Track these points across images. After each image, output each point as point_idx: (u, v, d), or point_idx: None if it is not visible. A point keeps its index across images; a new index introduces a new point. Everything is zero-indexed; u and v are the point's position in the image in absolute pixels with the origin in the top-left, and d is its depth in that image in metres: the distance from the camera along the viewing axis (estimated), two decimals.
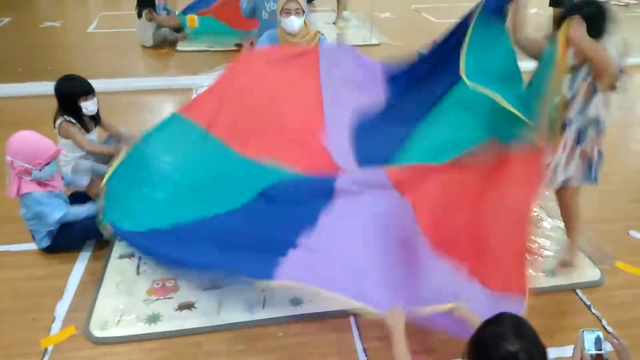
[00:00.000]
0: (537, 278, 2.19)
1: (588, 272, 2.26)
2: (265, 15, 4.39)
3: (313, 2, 6.25)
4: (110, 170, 2.47)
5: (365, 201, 2.22)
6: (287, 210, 2.29)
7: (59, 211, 2.27)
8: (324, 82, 2.91)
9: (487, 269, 1.88)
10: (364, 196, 2.25)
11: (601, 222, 2.63)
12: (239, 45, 5.18)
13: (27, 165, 2.19)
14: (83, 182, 2.56)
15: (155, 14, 5.16)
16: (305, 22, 3.25)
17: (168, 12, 5.79)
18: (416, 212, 2.12)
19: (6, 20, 6.33)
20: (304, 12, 3.20)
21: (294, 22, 3.14)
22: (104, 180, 2.41)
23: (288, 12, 3.14)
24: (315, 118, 2.81)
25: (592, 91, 2.05)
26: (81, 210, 2.37)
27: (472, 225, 2.00)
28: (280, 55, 3.02)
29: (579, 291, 2.17)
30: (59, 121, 2.71)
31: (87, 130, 2.79)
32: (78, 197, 2.57)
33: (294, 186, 2.44)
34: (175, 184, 2.54)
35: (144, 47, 5.28)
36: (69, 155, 2.77)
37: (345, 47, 3.22)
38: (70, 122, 2.71)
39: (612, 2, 7.33)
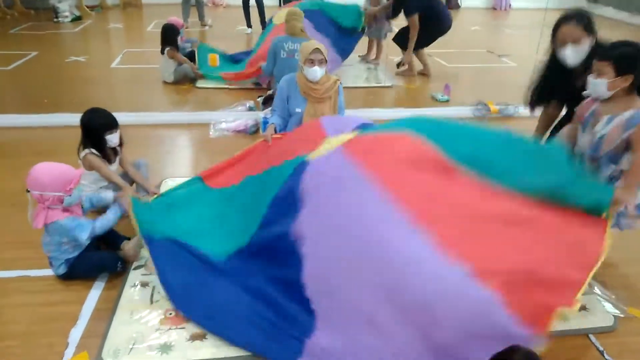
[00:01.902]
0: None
1: (601, 317, 2.25)
2: (283, 54, 4.57)
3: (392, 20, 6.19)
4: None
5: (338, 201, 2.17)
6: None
7: (85, 230, 2.33)
8: (327, 129, 2.91)
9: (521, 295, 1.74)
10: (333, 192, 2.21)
11: (616, 266, 2.62)
12: (257, 84, 5.33)
13: (59, 194, 2.24)
14: (108, 196, 2.62)
15: (177, 52, 5.35)
16: (325, 70, 3.34)
17: (192, 42, 6.00)
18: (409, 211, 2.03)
19: (34, 53, 6.58)
20: (326, 62, 3.30)
21: (316, 72, 3.25)
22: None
23: (312, 62, 3.24)
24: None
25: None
26: (107, 219, 2.43)
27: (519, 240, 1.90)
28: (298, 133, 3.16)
29: (591, 336, 2.15)
30: (83, 153, 2.80)
31: (109, 162, 2.88)
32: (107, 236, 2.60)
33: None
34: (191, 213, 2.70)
35: (165, 82, 5.45)
36: (92, 187, 2.85)
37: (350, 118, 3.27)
38: (94, 154, 2.80)
39: None
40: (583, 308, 2.28)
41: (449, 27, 5.74)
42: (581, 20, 2.58)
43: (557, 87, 2.79)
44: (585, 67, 2.54)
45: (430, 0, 5.62)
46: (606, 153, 2.24)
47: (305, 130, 2.99)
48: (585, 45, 2.58)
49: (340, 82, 3.47)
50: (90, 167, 2.82)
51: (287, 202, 2.32)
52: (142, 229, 2.44)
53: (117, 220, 2.46)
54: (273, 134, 3.24)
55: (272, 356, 1.99)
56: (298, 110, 3.40)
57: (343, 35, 5.73)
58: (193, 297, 2.22)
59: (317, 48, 3.23)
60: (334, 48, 5.55)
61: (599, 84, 2.20)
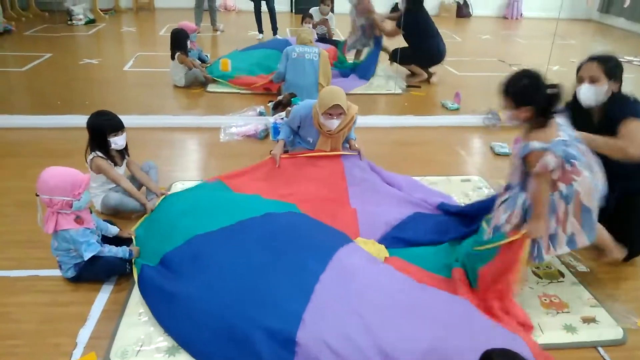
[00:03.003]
0: (559, 334, 2.17)
1: (611, 330, 2.22)
2: (294, 54, 4.80)
3: None
4: (138, 223, 2.77)
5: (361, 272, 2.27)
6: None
7: (92, 250, 2.33)
8: (349, 180, 3.18)
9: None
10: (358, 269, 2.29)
11: (626, 278, 2.60)
12: (267, 89, 5.36)
13: (67, 198, 2.25)
14: (114, 230, 2.62)
15: (187, 57, 5.39)
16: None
17: (203, 61, 6.04)
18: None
19: (48, 55, 6.66)
20: (345, 113, 3.16)
21: (334, 124, 3.16)
22: (134, 229, 2.72)
23: (331, 116, 3.12)
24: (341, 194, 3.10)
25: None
26: (115, 251, 2.42)
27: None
28: (308, 157, 3.29)
29: (600, 349, 2.13)
30: (90, 156, 2.83)
31: (116, 165, 2.91)
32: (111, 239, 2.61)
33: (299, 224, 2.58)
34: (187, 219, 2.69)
35: (176, 86, 5.49)
36: (100, 190, 2.89)
37: (366, 162, 3.33)
38: (101, 157, 2.82)
39: (635, 62, 7.42)
40: (592, 320, 2.26)
41: (439, 59, 5.89)
42: (605, 62, 2.57)
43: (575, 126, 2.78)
44: (603, 111, 2.58)
45: (426, 25, 5.77)
46: (517, 182, 2.24)
47: (327, 181, 3.16)
48: (602, 88, 2.56)
49: (357, 114, 3.30)
50: (97, 170, 2.84)
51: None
52: (139, 265, 2.43)
53: (124, 255, 2.43)
54: (282, 153, 3.26)
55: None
56: (309, 139, 3.34)
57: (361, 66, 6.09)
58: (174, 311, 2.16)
59: (337, 104, 3.06)
60: (356, 75, 5.93)
61: (506, 115, 2.24)
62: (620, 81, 2.59)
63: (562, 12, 9.01)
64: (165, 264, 2.39)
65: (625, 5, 10.26)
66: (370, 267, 2.32)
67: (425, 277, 2.38)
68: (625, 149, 2.37)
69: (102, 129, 2.82)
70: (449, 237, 2.68)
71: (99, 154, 2.84)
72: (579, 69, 2.67)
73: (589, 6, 11.37)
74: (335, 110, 3.10)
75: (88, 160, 2.85)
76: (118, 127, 2.86)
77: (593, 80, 2.57)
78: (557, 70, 6.80)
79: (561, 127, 2.18)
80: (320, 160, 3.26)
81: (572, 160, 2.10)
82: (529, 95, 2.12)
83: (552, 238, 2.16)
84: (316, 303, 2.05)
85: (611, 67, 2.56)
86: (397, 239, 2.71)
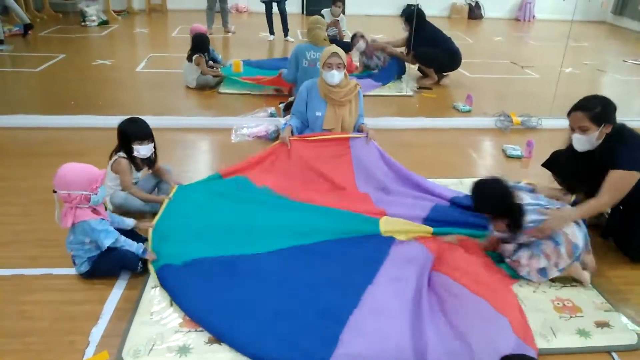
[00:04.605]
0: (572, 339, 2.15)
1: (625, 335, 2.20)
2: (305, 63, 4.60)
3: None
4: (156, 218, 2.78)
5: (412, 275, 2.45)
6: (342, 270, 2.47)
7: (110, 237, 2.37)
8: (355, 165, 3.32)
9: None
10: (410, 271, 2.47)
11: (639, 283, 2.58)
12: (278, 90, 5.37)
13: (85, 193, 2.29)
14: (129, 224, 2.65)
15: (204, 61, 5.43)
16: (345, 74, 3.40)
17: (216, 61, 6.08)
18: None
19: (61, 56, 6.73)
20: (345, 66, 3.34)
21: (334, 76, 3.33)
22: (154, 221, 2.75)
23: (330, 67, 3.32)
24: (350, 184, 3.25)
25: None
26: (131, 244, 2.45)
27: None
28: (315, 140, 3.39)
29: (614, 354, 2.10)
30: (115, 156, 2.89)
31: (137, 169, 2.97)
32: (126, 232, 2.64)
33: (347, 245, 2.67)
34: (217, 225, 2.75)
35: (188, 88, 5.52)
36: (111, 189, 2.93)
37: (372, 145, 3.40)
38: (124, 158, 2.88)
39: (630, 61, 7.34)
40: (606, 325, 2.24)
41: (453, 65, 5.99)
42: (589, 110, 2.55)
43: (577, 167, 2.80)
44: (601, 152, 2.58)
45: (435, 37, 5.91)
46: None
47: (334, 169, 3.27)
48: (593, 136, 2.57)
49: (361, 88, 3.53)
50: (116, 170, 2.89)
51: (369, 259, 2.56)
52: (158, 264, 2.47)
53: (137, 252, 2.45)
54: (290, 135, 3.36)
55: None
56: (318, 114, 3.46)
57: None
58: (210, 304, 2.23)
59: (335, 52, 3.31)
60: (372, 79, 5.95)
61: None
62: (613, 121, 2.57)
63: (575, 14, 8.93)
64: (195, 266, 2.44)
65: None
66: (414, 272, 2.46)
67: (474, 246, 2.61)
68: (601, 207, 2.53)
69: (127, 135, 2.87)
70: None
71: (123, 155, 2.89)
72: (568, 115, 2.66)
73: (602, 8, 11.27)
74: (333, 60, 3.30)
75: (112, 159, 2.90)
76: (144, 137, 2.89)
77: (583, 130, 2.58)
78: (570, 73, 6.75)
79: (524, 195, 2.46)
80: (329, 147, 3.36)
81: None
82: (500, 207, 2.42)
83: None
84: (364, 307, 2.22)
85: (597, 114, 2.53)
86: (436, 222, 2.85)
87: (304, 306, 2.22)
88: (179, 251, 2.52)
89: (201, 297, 2.26)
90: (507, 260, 2.50)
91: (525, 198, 2.43)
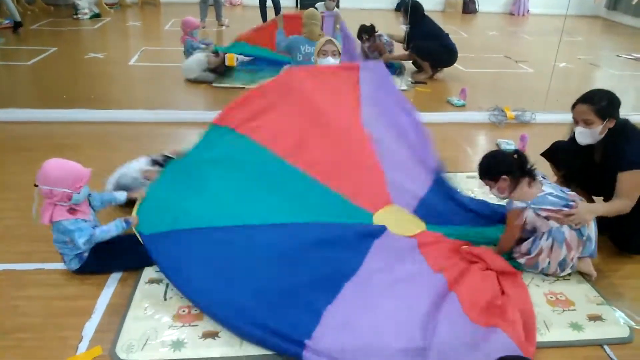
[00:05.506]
0: (565, 332, 2.17)
1: (617, 328, 2.21)
2: (299, 57, 4.58)
3: None
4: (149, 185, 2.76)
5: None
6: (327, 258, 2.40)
7: (84, 235, 2.30)
8: (363, 100, 3.09)
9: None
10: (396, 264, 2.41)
11: (631, 276, 2.59)
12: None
13: (68, 191, 2.25)
14: (121, 198, 2.64)
15: (219, 62, 5.53)
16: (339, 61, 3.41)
17: (207, 45, 6.05)
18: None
19: (53, 49, 6.67)
20: (339, 54, 3.35)
21: (330, 62, 3.31)
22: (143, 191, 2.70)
23: (325, 53, 3.33)
24: (358, 132, 2.99)
25: None
26: (107, 230, 2.38)
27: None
28: (322, 70, 3.21)
29: (606, 347, 2.12)
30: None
31: None
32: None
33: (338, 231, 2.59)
34: (213, 190, 2.70)
35: (182, 80, 5.48)
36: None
37: (383, 71, 3.18)
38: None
39: (623, 56, 7.37)
40: (599, 318, 2.25)
41: (450, 60, 6.00)
42: (595, 103, 2.54)
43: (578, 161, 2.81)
44: (603, 148, 2.59)
45: (434, 32, 5.91)
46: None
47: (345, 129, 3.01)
48: (596, 129, 2.56)
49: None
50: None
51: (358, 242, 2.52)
52: (143, 229, 2.47)
53: (118, 233, 2.41)
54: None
55: (284, 330, 1.99)
56: (307, 49, 3.65)
57: None
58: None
59: (330, 39, 3.39)
60: None
61: (493, 193, 2.57)
62: (617, 116, 2.56)
63: (569, 9, 8.94)
64: (178, 235, 2.46)
65: (633, 2, 10.19)
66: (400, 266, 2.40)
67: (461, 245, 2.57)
68: (625, 208, 2.49)
69: None
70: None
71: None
72: (573, 107, 2.65)
73: (596, 3, 11.30)
74: (329, 47, 3.39)
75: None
76: None
77: (587, 123, 2.57)
78: (564, 67, 6.77)
79: (545, 184, 2.44)
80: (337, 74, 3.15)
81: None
82: (497, 165, 2.45)
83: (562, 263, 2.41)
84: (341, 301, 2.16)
85: (602, 108, 2.53)
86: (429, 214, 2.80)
87: (289, 282, 2.24)
88: (167, 220, 2.51)
89: (185, 266, 2.30)
90: (523, 260, 2.45)
91: (544, 183, 2.45)
